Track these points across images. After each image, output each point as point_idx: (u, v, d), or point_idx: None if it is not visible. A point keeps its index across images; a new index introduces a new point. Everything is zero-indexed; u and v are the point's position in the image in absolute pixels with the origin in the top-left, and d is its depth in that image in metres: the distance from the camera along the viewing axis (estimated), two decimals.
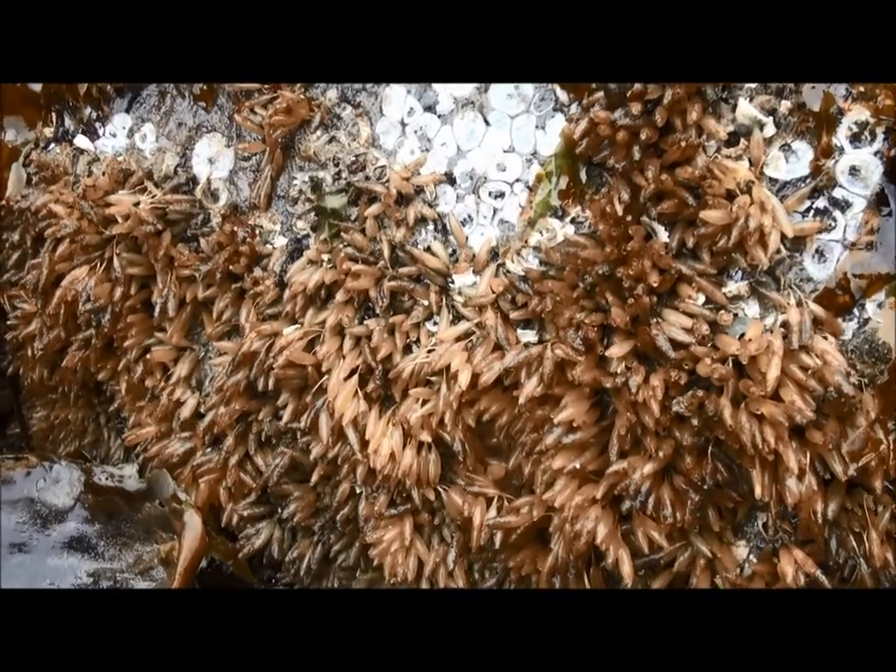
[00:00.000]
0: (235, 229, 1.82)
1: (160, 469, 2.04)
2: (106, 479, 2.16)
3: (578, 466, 1.59)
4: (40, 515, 2.08)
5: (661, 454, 1.54)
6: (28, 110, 2.19)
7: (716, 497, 1.61)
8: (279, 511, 1.99)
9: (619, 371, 1.55)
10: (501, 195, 1.68)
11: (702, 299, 1.54)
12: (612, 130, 1.52)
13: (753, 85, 1.51)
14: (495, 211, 1.69)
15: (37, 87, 2.16)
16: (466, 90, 1.70)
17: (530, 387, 1.58)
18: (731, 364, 1.49)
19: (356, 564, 1.96)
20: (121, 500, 2.13)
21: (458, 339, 1.66)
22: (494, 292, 1.64)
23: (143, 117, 2.04)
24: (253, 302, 1.85)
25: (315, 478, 1.86)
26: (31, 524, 2.07)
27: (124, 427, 2.27)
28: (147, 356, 2.01)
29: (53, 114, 2.16)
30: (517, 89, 1.67)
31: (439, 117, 1.72)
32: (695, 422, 1.52)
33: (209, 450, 1.98)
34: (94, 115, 2.09)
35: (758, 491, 1.52)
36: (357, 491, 1.85)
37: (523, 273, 1.63)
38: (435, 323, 1.71)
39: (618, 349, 1.53)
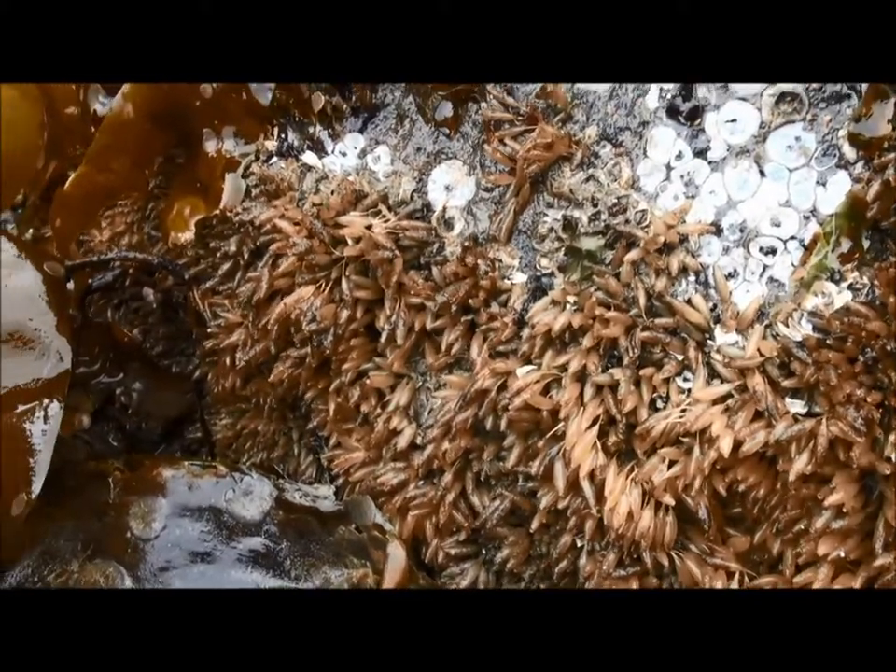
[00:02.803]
0: (478, 261, 1.77)
1: (362, 495, 2.01)
2: (301, 497, 2.13)
3: (843, 554, 1.47)
4: (226, 526, 2.04)
5: None
6: (248, 122, 2.18)
7: None
8: (485, 552, 1.93)
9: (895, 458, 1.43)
10: (773, 251, 1.58)
11: None
12: None
13: None
14: (764, 268, 1.59)
15: (264, 100, 2.16)
16: (742, 138, 1.61)
17: (801, 464, 1.47)
18: None
19: None
20: (314, 520, 2.09)
21: (716, 401, 1.56)
22: (762, 355, 1.54)
23: (377, 139, 2.01)
24: (484, 338, 1.80)
25: (535, 525, 1.78)
26: (216, 534, 2.05)
27: (318, 446, 2.25)
28: (365, 380, 1.97)
29: (276, 128, 2.15)
30: (798, 141, 1.58)
31: (709, 163, 1.64)
32: None
33: (422, 483, 1.93)
34: (325, 132, 2.08)
35: None
36: (578, 545, 1.77)
37: (799, 339, 1.52)
38: (686, 380, 1.62)
39: None
